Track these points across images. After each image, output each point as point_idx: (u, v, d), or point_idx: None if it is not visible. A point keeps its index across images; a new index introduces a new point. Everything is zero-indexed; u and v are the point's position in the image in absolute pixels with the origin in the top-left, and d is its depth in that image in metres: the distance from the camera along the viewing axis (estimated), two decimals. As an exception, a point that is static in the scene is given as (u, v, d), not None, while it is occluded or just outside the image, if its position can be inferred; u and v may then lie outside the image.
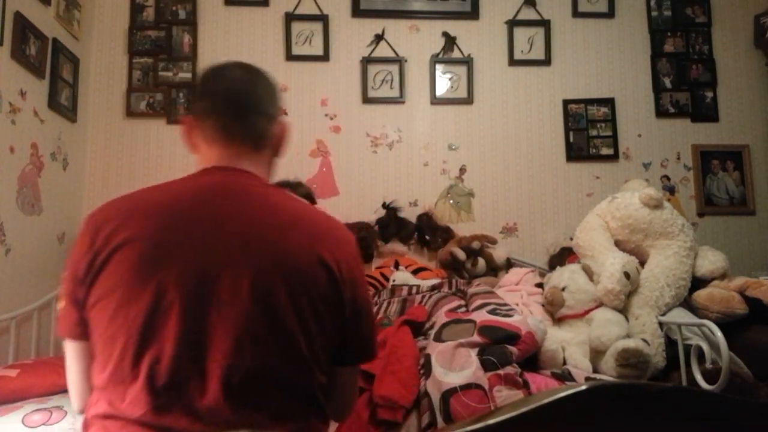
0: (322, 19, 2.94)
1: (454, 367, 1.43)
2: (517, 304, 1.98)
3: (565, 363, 1.74)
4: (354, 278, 0.92)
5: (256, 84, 1.01)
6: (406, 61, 2.96)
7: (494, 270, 2.69)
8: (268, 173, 1.03)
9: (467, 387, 1.36)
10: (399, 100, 2.94)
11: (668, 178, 2.99)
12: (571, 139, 2.97)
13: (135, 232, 0.84)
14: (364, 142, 2.93)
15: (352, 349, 0.95)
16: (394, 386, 1.40)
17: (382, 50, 2.96)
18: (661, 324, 1.83)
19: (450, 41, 3.00)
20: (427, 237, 2.80)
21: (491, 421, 0.40)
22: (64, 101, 2.53)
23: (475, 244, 2.65)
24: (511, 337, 1.55)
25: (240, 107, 0.99)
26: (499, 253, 2.72)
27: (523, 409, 0.40)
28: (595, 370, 1.73)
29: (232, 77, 1.00)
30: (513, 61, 3.01)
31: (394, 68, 2.95)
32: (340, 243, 0.93)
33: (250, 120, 0.99)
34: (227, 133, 0.97)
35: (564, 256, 2.60)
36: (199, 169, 0.98)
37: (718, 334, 1.46)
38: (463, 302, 1.93)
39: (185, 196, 0.90)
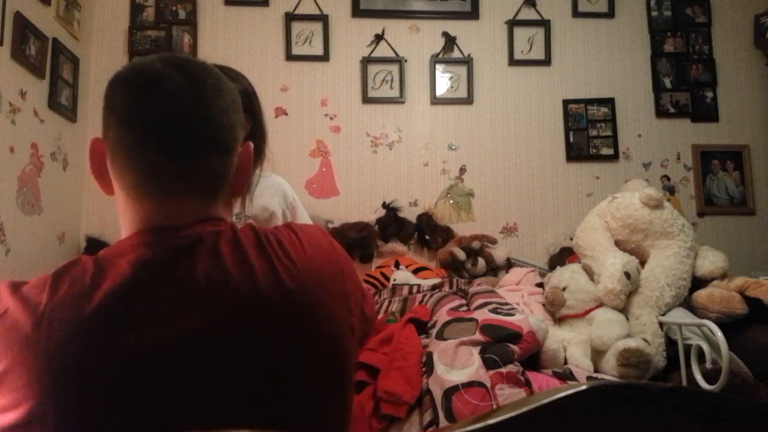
0: (322, 19, 2.94)
1: (456, 365, 1.43)
2: (518, 304, 1.98)
3: (566, 362, 1.74)
4: None
5: (204, 98, 0.66)
6: (406, 61, 2.97)
7: (494, 270, 2.70)
8: (229, 216, 0.72)
9: (469, 385, 1.36)
10: (399, 100, 2.94)
11: (668, 178, 2.99)
12: (571, 139, 2.97)
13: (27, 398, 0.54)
14: (364, 142, 2.93)
15: None
16: (399, 382, 1.41)
17: (382, 50, 2.97)
18: (661, 324, 1.83)
19: (450, 41, 3.00)
20: (427, 237, 2.80)
21: (492, 421, 0.40)
22: (64, 101, 2.53)
23: (475, 244, 2.65)
24: (513, 335, 1.55)
25: (181, 139, 0.64)
26: (499, 253, 2.72)
27: (524, 409, 0.40)
28: (596, 370, 1.73)
29: (169, 91, 0.64)
30: (513, 61, 3.01)
31: (394, 68, 2.95)
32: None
33: (203, 160, 0.66)
34: (161, 181, 0.65)
35: (564, 256, 2.61)
36: (120, 239, 0.66)
37: (718, 334, 1.47)
38: (464, 301, 1.93)
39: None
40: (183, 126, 0.64)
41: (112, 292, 0.58)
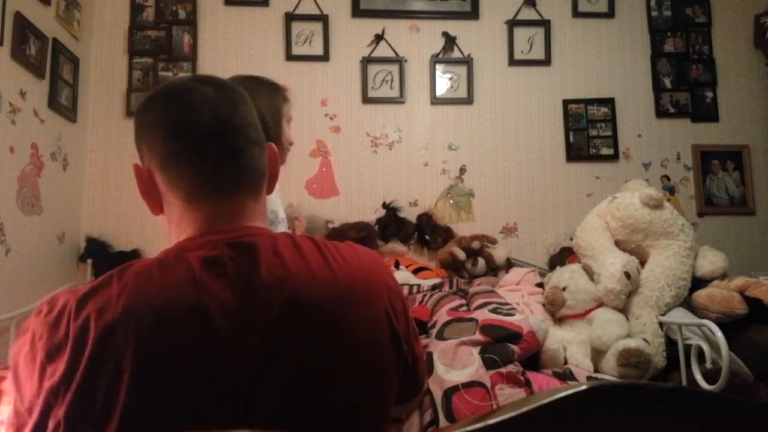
0: (322, 19, 2.94)
1: (456, 365, 1.43)
2: (518, 304, 1.98)
3: (566, 362, 1.74)
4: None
5: (236, 104, 0.73)
6: (406, 61, 2.97)
7: (494, 270, 2.70)
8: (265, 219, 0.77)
9: (469, 385, 1.37)
10: (399, 100, 2.94)
11: (668, 178, 2.99)
12: (571, 139, 2.97)
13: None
14: (364, 142, 2.93)
15: None
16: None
17: (382, 50, 2.97)
18: (661, 324, 1.83)
19: (450, 41, 3.00)
20: (427, 237, 2.80)
21: (492, 421, 0.40)
22: (64, 101, 2.53)
23: (475, 244, 2.65)
24: (513, 335, 1.55)
25: (229, 142, 0.71)
26: (499, 253, 2.73)
27: (524, 409, 0.40)
28: (596, 370, 1.73)
29: (205, 100, 0.71)
30: (513, 61, 3.01)
31: (394, 68, 2.95)
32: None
33: (246, 156, 0.72)
34: (219, 183, 0.70)
35: (564, 256, 2.61)
36: (180, 240, 0.70)
37: (718, 334, 1.47)
38: (464, 301, 1.93)
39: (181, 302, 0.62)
40: (230, 128, 0.71)
41: (176, 284, 0.62)
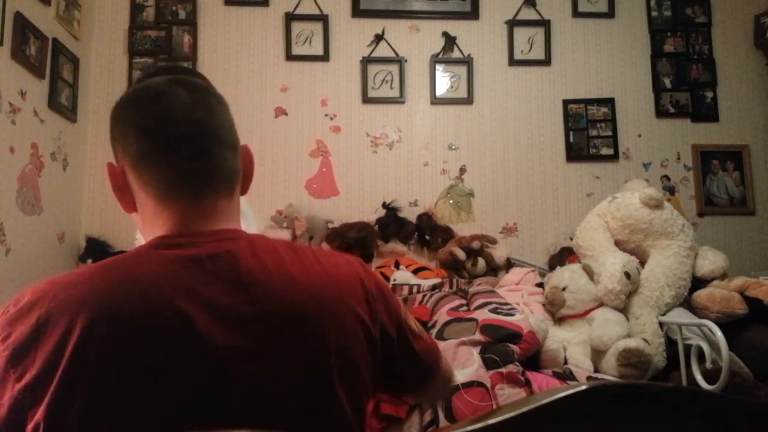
0: (322, 19, 2.94)
1: (456, 365, 1.43)
2: (518, 304, 1.98)
3: (566, 362, 1.74)
4: None
5: (211, 107, 0.75)
6: (406, 61, 2.97)
7: (494, 270, 2.70)
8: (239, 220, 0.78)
9: (469, 385, 1.37)
10: (399, 100, 2.94)
11: (668, 178, 2.99)
12: (571, 139, 2.97)
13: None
14: (364, 142, 2.93)
15: None
16: (399, 382, 1.41)
17: (382, 50, 2.97)
18: (661, 324, 1.83)
19: (450, 41, 3.00)
20: (427, 237, 2.80)
21: (492, 421, 0.40)
22: (64, 101, 2.53)
23: (475, 244, 2.65)
24: (513, 335, 1.55)
25: (202, 143, 0.72)
26: (499, 253, 2.73)
27: (524, 409, 0.40)
28: (596, 370, 1.73)
29: (180, 102, 0.72)
30: (513, 61, 3.01)
31: (394, 68, 2.95)
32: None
33: (217, 158, 0.73)
34: (191, 182, 0.71)
35: (564, 256, 2.60)
36: (156, 237, 0.70)
37: (718, 334, 1.47)
38: (464, 301, 1.93)
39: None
40: (203, 130, 0.73)
41: (155, 278, 0.63)
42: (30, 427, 0.58)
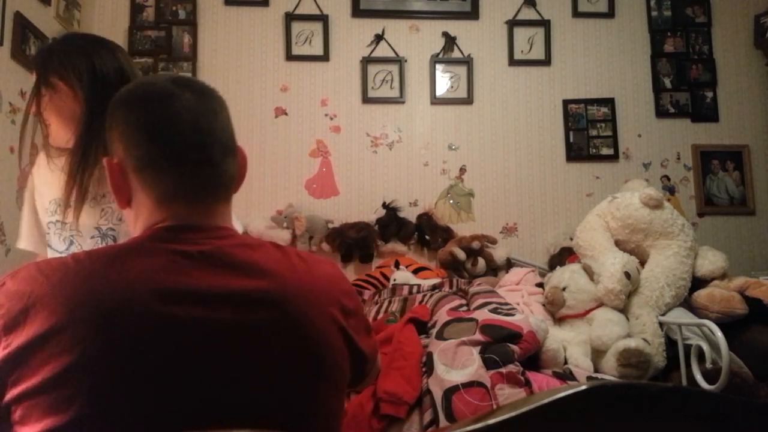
0: (322, 19, 2.94)
1: (456, 365, 1.43)
2: (518, 304, 1.98)
3: (566, 362, 1.74)
4: None
5: (216, 113, 0.75)
6: (406, 61, 2.97)
7: (494, 270, 2.70)
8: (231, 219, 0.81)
9: (469, 385, 1.36)
10: (399, 100, 2.94)
11: (668, 178, 2.99)
12: (571, 139, 2.97)
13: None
14: (364, 142, 2.93)
15: None
16: (399, 382, 1.41)
17: (382, 50, 2.97)
18: (661, 324, 1.83)
19: (450, 41, 3.00)
20: (427, 237, 2.80)
21: (491, 421, 0.40)
22: (64, 101, 2.53)
23: (475, 244, 2.65)
24: (513, 335, 1.55)
25: (208, 152, 0.73)
26: (499, 253, 2.73)
27: (524, 409, 0.40)
28: (596, 370, 1.73)
29: (186, 108, 0.72)
30: (513, 61, 3.01)
31: (394, 68, 2.95)
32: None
33: (222, 167, 0.75)
34: (194, 189, 0.73)
35: (564, 256, 2.60)
36: (151, 230, 0.72)
37: (718, 334, 1.47)
38: (464, 301, 1.93)
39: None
40: (209, 139, 0.73)
41: (146, 270, 0.64)
42: (7, 398, 0.60)
